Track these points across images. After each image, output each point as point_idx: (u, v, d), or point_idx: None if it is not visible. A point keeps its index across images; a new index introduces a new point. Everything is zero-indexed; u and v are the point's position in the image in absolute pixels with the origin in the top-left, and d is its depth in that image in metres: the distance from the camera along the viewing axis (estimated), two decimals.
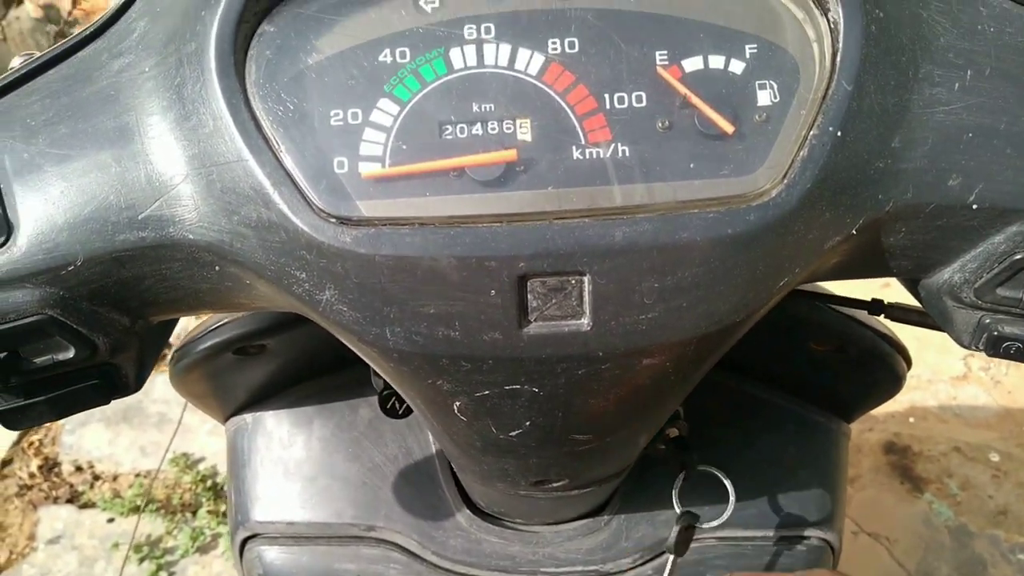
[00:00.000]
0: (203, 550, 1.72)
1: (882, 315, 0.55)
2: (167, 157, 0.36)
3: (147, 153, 0.36)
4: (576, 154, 0.37)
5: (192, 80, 0.36)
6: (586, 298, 0.36)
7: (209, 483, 1.81)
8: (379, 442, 0.72)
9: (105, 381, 0.41)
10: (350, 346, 0.40)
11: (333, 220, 0.35)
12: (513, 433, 0.41)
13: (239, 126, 0.35)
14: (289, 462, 0.72)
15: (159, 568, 1.68)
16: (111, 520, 1.78)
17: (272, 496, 0.72)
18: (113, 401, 0.42)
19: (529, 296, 0.36)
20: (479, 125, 0.37)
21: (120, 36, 0.38)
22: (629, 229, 0.35)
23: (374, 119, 0.37)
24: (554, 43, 0.37)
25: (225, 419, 0.77)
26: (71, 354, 0.39)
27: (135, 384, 0.42)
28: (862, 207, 0.37)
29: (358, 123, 0.37)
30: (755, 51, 0.37)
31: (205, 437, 1.86)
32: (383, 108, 0.37)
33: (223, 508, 1.78)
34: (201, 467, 1.84)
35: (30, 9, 2.19)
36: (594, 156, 0.37)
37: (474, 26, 0.37)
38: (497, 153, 0.36)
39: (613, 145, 0.37)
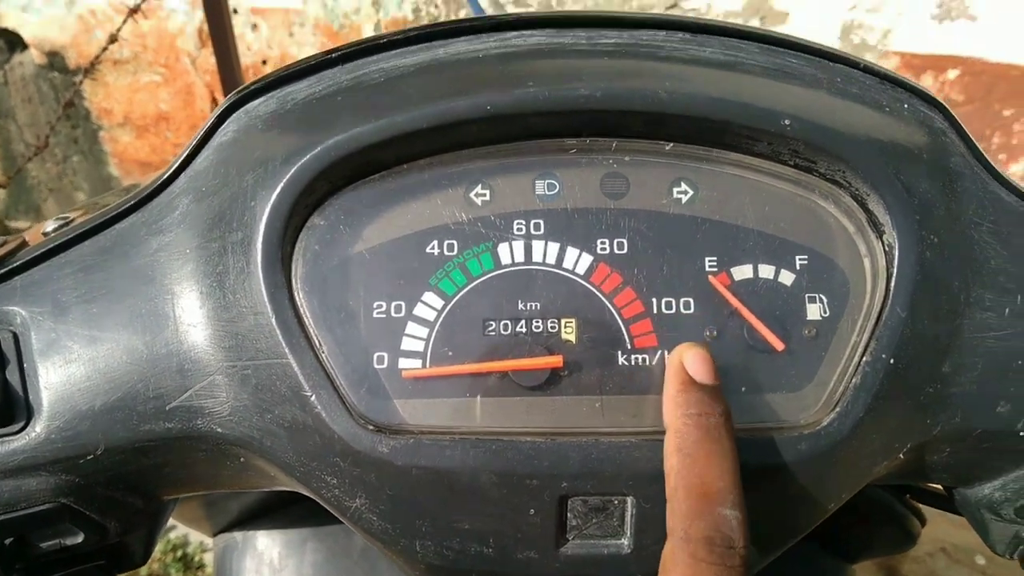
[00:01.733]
0: None
1: (907, 495, 0.54)
2: (201, 347, 0.35)
3: (180, 342, 0.35)
4: (622, 360, 0.36)
5: (236, 271, 0.35)
6: (627, 520, 0.34)
7: (180, 553, 1.74)
8: (372, 573, 0.69)
9: (111, 561, 0.39)
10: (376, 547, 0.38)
11: (371, 427, 0.34)
12: None
13: (280, 324, 0.34)
14: None
15: None
16: None
17: None
18: None
19: (569, 515, 0.34)
20: (523, 323, 0.36)
21: (161, 211, 0.37)
22: None
23: (417, 313, 0.36)
24: (603, 243, 0.37)
25: (214, 534, 0.74)
26: (80, 539, 0.36)
27: (141, 559, 0.40)
28: (911, 432, 0.36)
29: (401, 316, 0.36)
30: (805, 262, 0.37)
31: None
32: (427, 302, 0.36)
33: None
34: (172, 536, 1.77)
35: (34, 55, 2.19)
36: (640, 363, 0.36)
37: (523, 222, 0.37)
38: (542, 359, 0.35)
39: (660, 352, 0.36)
